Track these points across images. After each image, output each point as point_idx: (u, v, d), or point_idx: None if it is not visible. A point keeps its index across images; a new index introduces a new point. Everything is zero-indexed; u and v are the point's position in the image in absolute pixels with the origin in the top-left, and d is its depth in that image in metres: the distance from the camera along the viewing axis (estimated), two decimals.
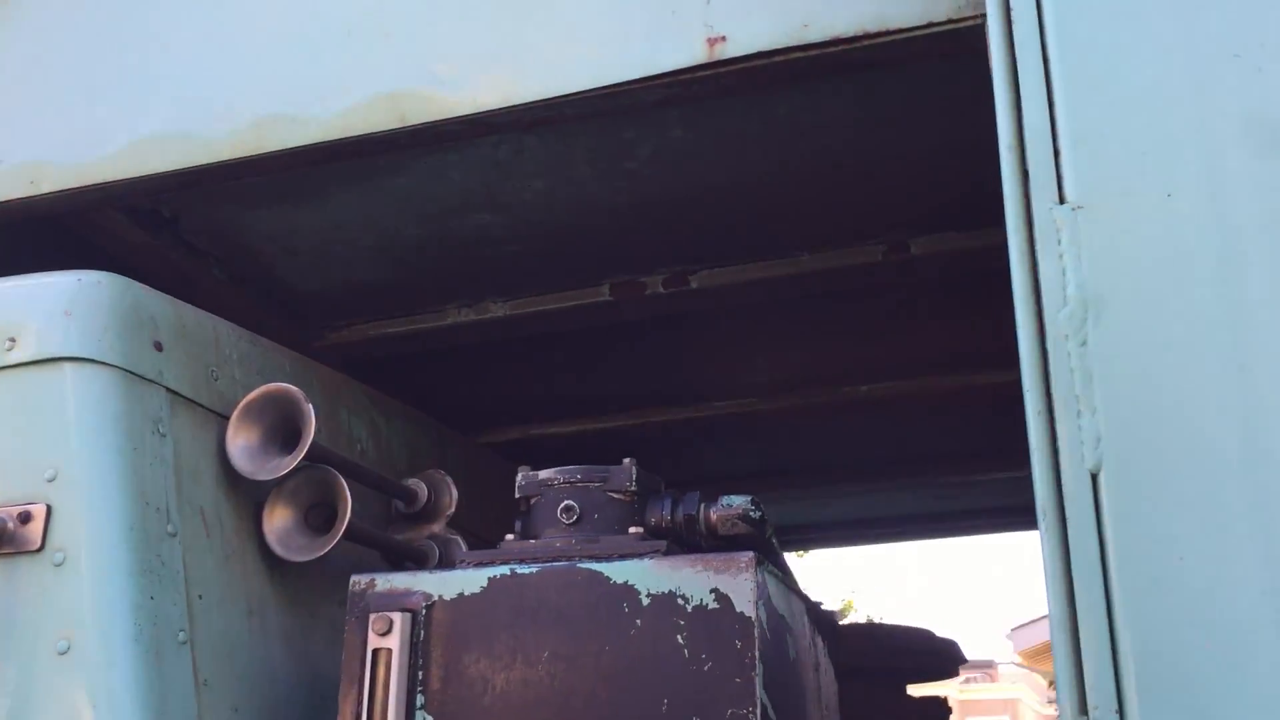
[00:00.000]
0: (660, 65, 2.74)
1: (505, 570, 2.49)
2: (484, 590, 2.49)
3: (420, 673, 2.44)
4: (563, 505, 2.66)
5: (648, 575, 2.40)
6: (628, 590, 2.40)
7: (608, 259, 3.77)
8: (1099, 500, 1.89)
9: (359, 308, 4.08)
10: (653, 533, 2.64)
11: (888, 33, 2.63)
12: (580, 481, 2.67)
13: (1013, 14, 2.20)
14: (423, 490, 3.50)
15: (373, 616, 2.47)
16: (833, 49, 2.66)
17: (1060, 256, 2.02)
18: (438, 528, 3.50)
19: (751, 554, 2.37)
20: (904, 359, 4.50)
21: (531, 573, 2.47)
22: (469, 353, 4.30)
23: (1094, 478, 1.90)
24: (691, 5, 2.74)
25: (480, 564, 2.56)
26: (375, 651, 2.45)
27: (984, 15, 2.54)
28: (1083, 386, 1.94)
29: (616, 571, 2.42)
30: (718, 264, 3.75)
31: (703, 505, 2.70)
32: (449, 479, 3.51)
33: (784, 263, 3.69)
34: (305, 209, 3.46)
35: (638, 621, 2.37)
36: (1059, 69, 2.13)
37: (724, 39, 2.72)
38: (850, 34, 2.64)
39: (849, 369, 4.55)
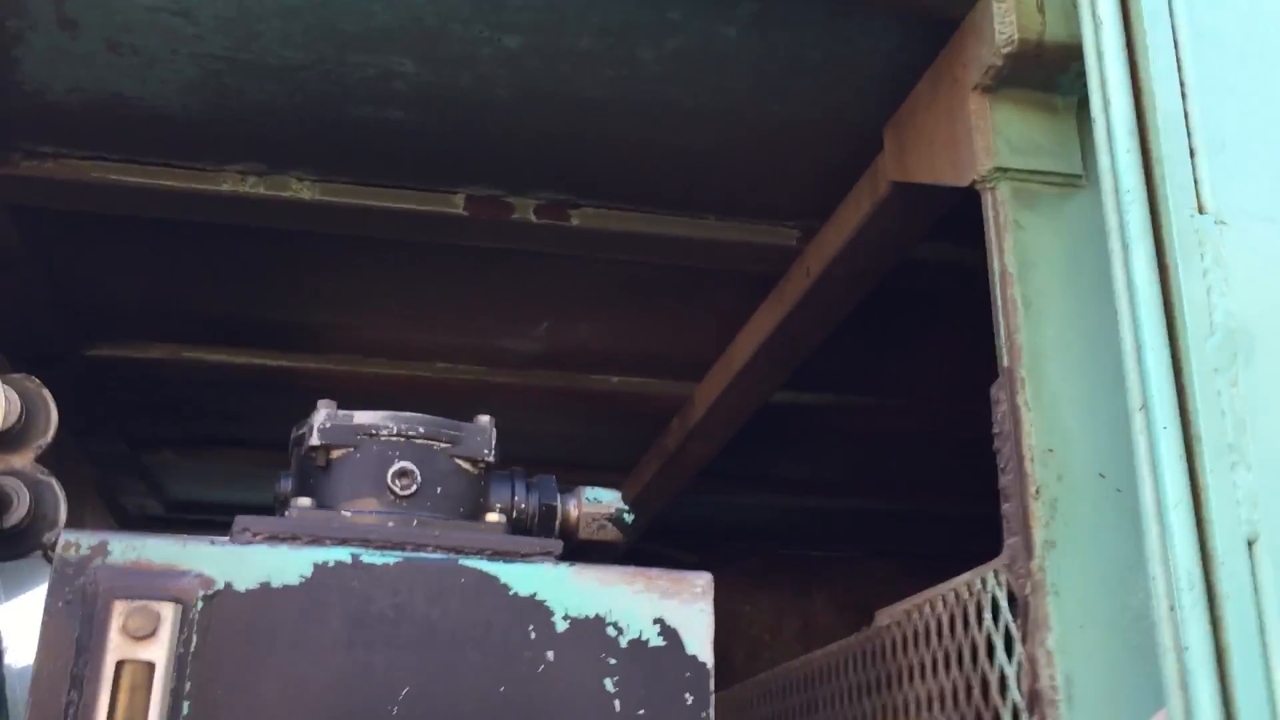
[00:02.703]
0: None
1: (343, 556, 1.63)
2: (305, 583, 1.60)
3: (187, 706, 1.50)
4: (397, 468, 1.82)
5: (567, 589, 1.68)
6: (536, 608, 1.66)
7: (469, 161, 2.83)
8: (1256, 574, 1.56)
9: (78, 133, 2.73)
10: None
11: None
12: (422, 436, 1.85)
13: None
14: (11, 402, 2.36)
15: (121, 607, 1.48)
16: None
17: (1205, 275, 1.69)
18: (25, 462, 2.36)
19: (709, 576, 1.75)
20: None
21: (388, 564, 1.64)
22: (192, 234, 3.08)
23: (1250, 546, 1.57)
24: None
25: (288, 540, 1.66)
26: (122, 666, 1.46)
27: None
28: (1236, 435, 1.61)
29: (522, 579, 1.67)
30: (610, 202, 2.97)
31: (562, 495, 2.01)
32: (47, 393, 2.40)
33: (687, 221, 3.05)
34: None
35: (549, 654, 1.64)
36: (1190, 51, 1.81)
37: None
38: None
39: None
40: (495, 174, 2.89)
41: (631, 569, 1.73)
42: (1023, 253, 2.15)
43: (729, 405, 4.01)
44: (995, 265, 2.15)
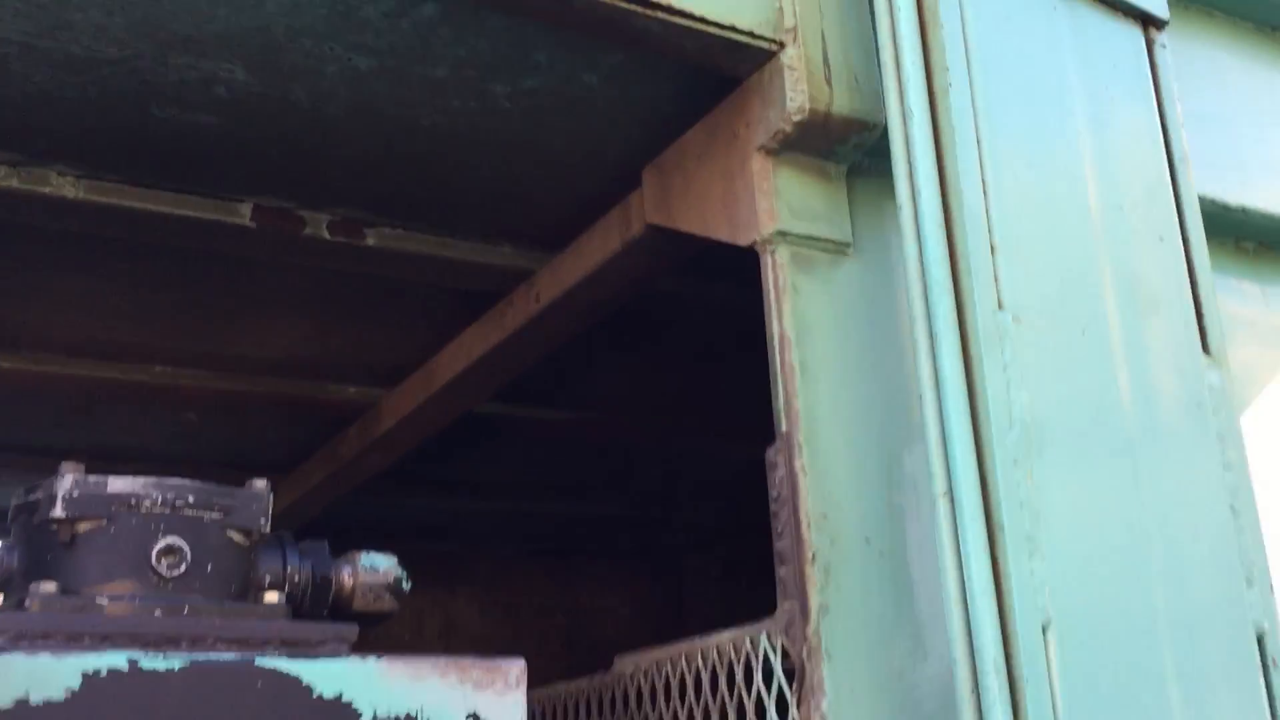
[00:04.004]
0: None
1: (117, 662, 1.37)
2: (73, 698, 1.34)
3: None
4: (163, 545, 1.57)
5: (376, 687, 1.51)
6: (343, 711, 1.48)
7: (266, 172, 2.58)
8: (1049, 657, 1.67)
9: None
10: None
11: (688, 14, 2.12)
12: (191, 506, 1.61)
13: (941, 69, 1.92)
14: None
15: None
16: (627, 4, 2.06)
17: (1005, 369, 1.78)
18: None
19: (523, 664, 1.64)
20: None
21: (172, 670, 1.40)
22: None
23: (1044, 631, 1.68)
24: None
25: (39, 640, 1.38)
26: None
27: (782, 45, 2.22)
28: (1033, 525, 1.71)
29: (325, 678, 1.48)
30: (406, 224, 2.75)
31: (335, 563, 1.82)
32: None
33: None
34: None
35: None
36: (989, 149, 1.91)
37: None
38: None
39: None
40: (290, 187, 2.69)
41: (443, 659, 1.58)
42: (800, 317, 2.18)
43: (423, 419, 3.85)
44: (774, 329, 2.18)
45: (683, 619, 6.97)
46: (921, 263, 1.83)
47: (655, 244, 2.69)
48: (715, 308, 3.52)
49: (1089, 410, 1.86)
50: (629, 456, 5.06)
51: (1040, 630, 1.66)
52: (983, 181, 1.87)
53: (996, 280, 1.83)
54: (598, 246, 2.83)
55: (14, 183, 2.46)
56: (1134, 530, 1.82)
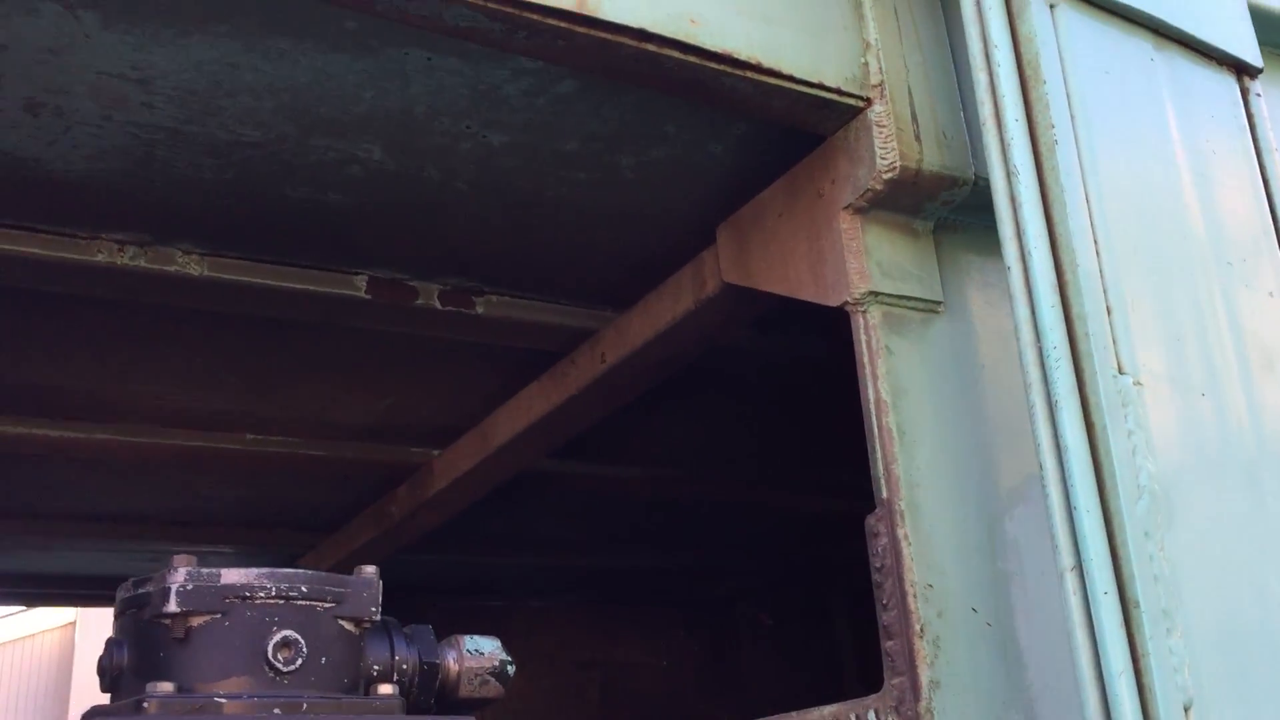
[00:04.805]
0: None
1: None
2: None
3: None
4: (279, 639, 1.51)
5: None
6: None
7: (382, 244, 2.60)
8: None
9: None
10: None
11: (776, 73, 2.08)
12: (305, 597, 1.55)
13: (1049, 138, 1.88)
14: None
15: None
16: (716, 64, 2.03)
17: (1130, 436, 1.72)
18: None
19: None
20: None
21: None
22: None
23: (1186, 712, 1.61)
24: None
25: None
26: None
27: (869, 101, 2.18)
28: (1169, 600, 1.65)
29: None
30: (513, 290, 2.80)
31: (441, 649, 1.76)
32: None
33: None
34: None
35: None
36: (1098, 207, 1.86)
37: None
38: (743, 55, 2.04)
39: None
40: (404, 258, 2.70)
41: None
42: (895, 379, 2.13)
43: (478, 478, 3.80)
44: (869, 392, 2.12)
45: (734, 670, 6.87)
46: (1035, 327, 1.78)
47: (730, 302, 2.64)
48: (764, 359, 3.47)
49: (1215, 477, 1.80)
50: (676, 508, 5.00)
51: (1183, 710, 1.60)
52: (1095, 240, 1.82)
53: (1114, 343, 1.77)
54: (668, 305, 2.79)
55: (141, 262, 2.48)
56: (1270, 600, 1.76)
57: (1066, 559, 1.69)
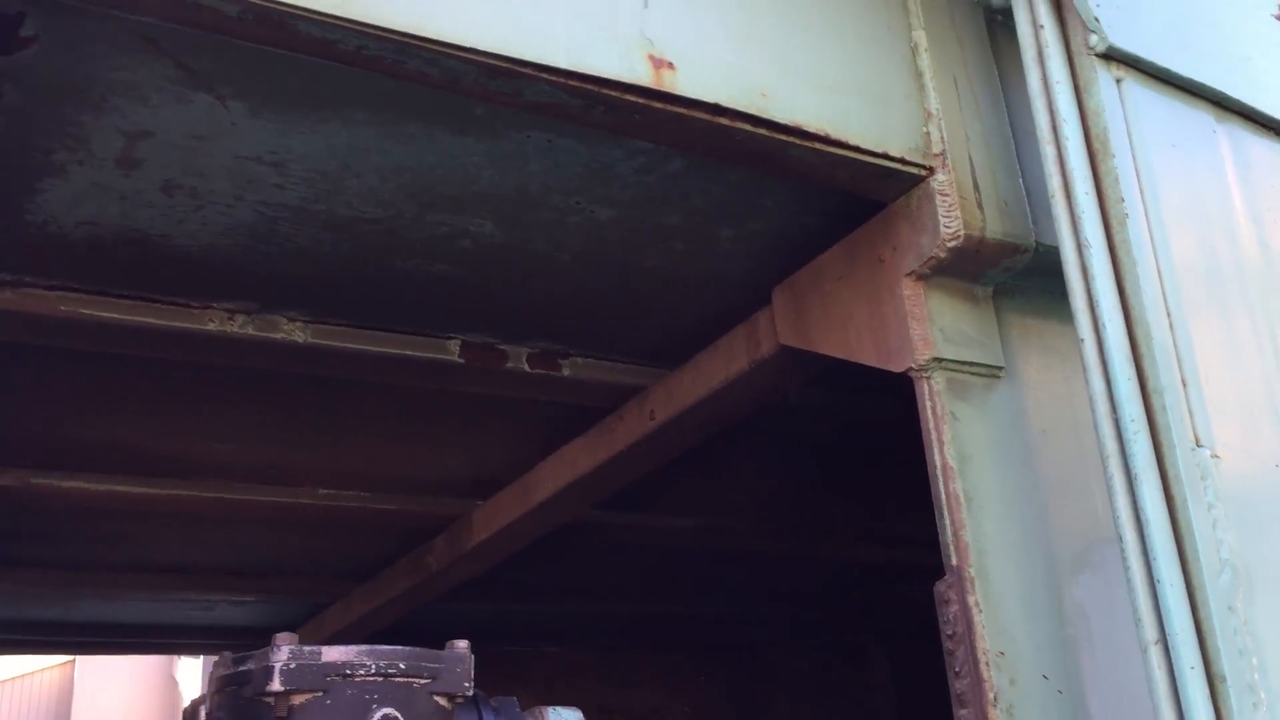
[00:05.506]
0: (587, 65, 1.86)
1: None
2: None
3: None
4: (381, 716, 1.53)
5: None
6: None
7: (464, 309, 2.68)
8: None
9: (56, 264, 2.36)
10: None
11: (843, 144, 2.12)
12: (403, 674, 1.57)
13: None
14: None
15: None
16: (785, 136, 2.06)
17: (1210, 509, 1.74)
18: None
19: None
20: None
21: None
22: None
23: None
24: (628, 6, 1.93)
25: None
26: None
27: (931, 170, 2.21)
28: (1256, 674, 1.66)
29: None
30: (597, 352, 2.89)
31: None
32: None
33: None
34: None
35: None
36: (1169, 278, 1.89)
37: (672, 66, 1.95)
38: (812, 127, 2.08)
39: None
40: (497, 323, 2.78)
41: None
42: (960, 445, 2.15)
43: (518, 532, 3.81)
44: (936, 458, 2.14)
45: (765, 716, 6.84)
46: (1111, 399, 1.80)
47: (785, 364, 2.67)
48: (810, 411, 3.49)
49: None
50: (710, 556, 5.00)
51: None
52: (1167, 312, 1.85)
53: (1191, 415, 1.79)
54: (720, 366, 2.82)
55: (250, 330, 2.54)
56: None
57: (1150, 633, 1.70)
